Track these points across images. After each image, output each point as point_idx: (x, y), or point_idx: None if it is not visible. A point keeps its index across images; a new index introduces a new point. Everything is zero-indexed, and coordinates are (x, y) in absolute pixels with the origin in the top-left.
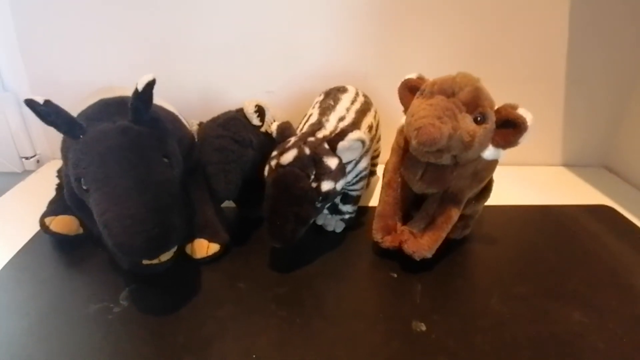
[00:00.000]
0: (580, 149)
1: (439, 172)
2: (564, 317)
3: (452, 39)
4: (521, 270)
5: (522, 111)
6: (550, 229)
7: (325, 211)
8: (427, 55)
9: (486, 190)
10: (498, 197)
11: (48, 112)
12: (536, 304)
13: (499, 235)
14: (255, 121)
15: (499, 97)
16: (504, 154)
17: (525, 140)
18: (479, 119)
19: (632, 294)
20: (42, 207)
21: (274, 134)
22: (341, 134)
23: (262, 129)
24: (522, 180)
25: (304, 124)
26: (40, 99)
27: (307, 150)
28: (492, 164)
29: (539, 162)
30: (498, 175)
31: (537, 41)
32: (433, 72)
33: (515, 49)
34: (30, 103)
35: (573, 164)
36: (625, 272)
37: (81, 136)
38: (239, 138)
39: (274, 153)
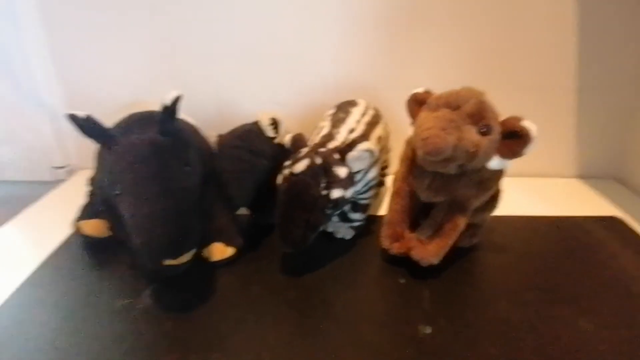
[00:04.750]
0: (591, 161)
1: (445, 181)
2: (570, 324)
3: (461, 50)
4: (529, 278)
5: (526, 123)
6: (558, 238)
7: (336, 219)
8: (436, 67)
9: (494, 199)
10: (509, 207)
11: (87, 126)
12: (543, 311)
13: (508, 244)
14: (270, 133)
15: (509, 107)
16: (510, 165)
17: (529, 151)
18: (483, 130)
19: (638, 303)
20: (74, 212)
21: (288, 145)
22: (351, 145)
23: (277, 140)
24: (533, 192)
25: (316, 135)
26: (82, 114)
27: (318, 160)
28: (498, 173)
29: (550, 173)
30: (509, 186)
31: (548, 51)
32: (442, 83)
33: (526, 59)
34: (73, 117)
35: (584, 176)
36: (632, 281)
37: (114, 146)
38: (253, 149)
39: (287, 162)
